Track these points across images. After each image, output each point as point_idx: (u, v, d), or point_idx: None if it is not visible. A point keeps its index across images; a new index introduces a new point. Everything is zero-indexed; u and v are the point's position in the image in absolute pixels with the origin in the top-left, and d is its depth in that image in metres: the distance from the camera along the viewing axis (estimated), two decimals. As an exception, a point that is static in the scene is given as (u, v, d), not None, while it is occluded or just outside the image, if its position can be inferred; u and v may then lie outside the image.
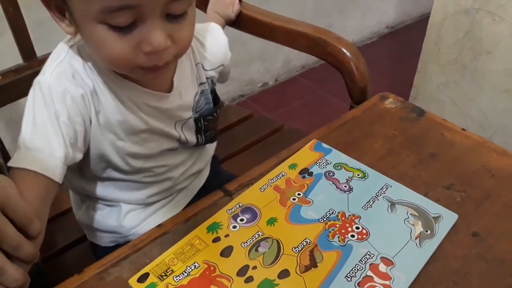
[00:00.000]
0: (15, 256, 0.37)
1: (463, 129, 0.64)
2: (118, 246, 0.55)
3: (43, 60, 0.80)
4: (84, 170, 0.55)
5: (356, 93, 0.77)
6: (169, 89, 0.54)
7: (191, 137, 0.59)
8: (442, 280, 0.46)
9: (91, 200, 0.59)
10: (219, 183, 0.56)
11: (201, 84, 0.59)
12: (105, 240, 0.61)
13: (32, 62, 0.79)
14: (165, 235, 0.50)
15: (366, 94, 0.77)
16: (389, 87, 0.72)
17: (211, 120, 0.61)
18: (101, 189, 0.57)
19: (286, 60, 1.86)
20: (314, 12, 1.81)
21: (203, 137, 0.61)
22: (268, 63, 1.80)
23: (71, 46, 0.49)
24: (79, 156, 0.48)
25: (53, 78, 0.47)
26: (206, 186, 0.66)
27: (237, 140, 0.92)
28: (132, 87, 0.51)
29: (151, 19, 0.41)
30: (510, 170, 0.58)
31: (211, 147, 0.67)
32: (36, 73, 0.78)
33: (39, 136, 0.45)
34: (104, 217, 0.59)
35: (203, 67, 0.59)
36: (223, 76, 0.65)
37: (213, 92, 0.62)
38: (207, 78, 0.60)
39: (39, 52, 0.79)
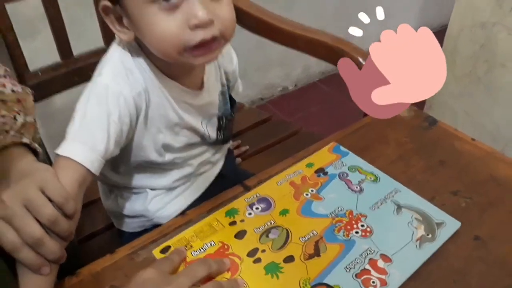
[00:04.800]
0: (53, 230, 0.43)
1: (473, 139, 0.67)
2: (144, 231, 0.60)
3: (79, 59, 0.85)
4: (117, 162, 0.59)
5: (371, 101, 0.80)
6: (200, 86, 0.60)
7: (213, 134, 0.64)
8: (443, 278, 0.49)
9: (118, 189, 0.65)
10: (234, 173, 0.61)
11: (221, 84, 0.64)
12: (133, 226, 0.66)
13: (69, 61, 0.83)
14: (189, 223, 0.55)
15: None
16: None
17: (230, 120, 0.67)
18: (130, 179, 0.62)
19: (306, 67, 1.89)
20: (333, 18, 1.83)
21: (222, 135, 0.66)
22: (288, 68, 1.83)
23: (123, 47, 0.54)
24: (116, 151, 0.53)
25: (110, 79, 0.52)
26: (222, 173, 0.70)
27: (255, 141, 0.96)
28: (174, 85, 0.56)
29: None
30: (517, 180, 0.60)
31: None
32: (72, 71, 0.83)
33: (86, 129, 0.50)
34: (131, 204, 0.64)
35: (224, 70, 0.64)
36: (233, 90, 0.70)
37: (229, 96, 0.67)
38: (226, 80, 0.65)
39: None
